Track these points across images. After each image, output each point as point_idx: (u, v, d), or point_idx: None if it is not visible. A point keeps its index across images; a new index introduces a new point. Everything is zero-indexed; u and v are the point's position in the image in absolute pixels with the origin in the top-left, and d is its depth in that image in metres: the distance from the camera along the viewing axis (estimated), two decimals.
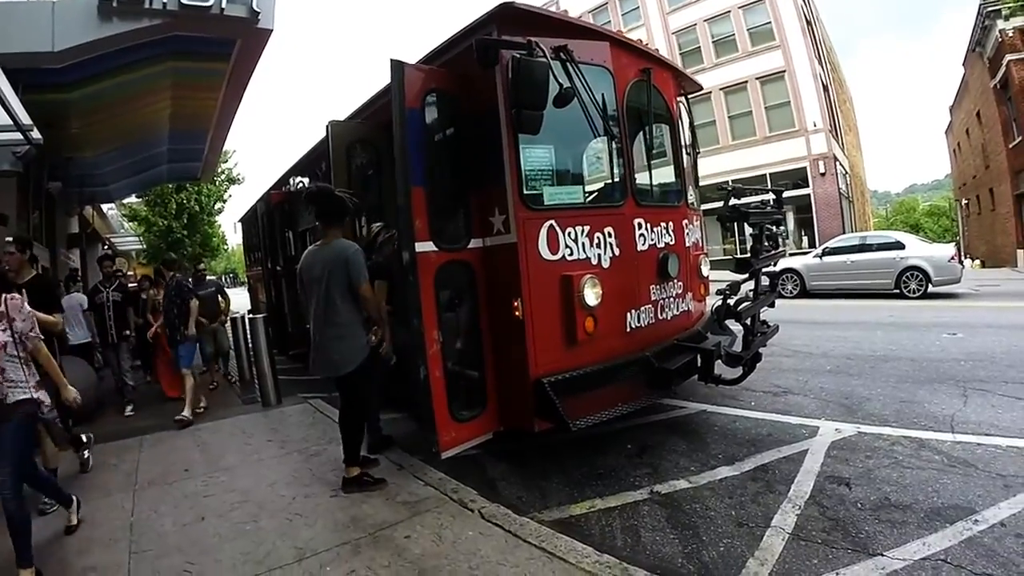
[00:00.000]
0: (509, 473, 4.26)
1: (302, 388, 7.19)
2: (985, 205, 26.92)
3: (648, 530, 3.25)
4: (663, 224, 4.87)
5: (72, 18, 5.54)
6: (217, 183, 23.73)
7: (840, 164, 24.39)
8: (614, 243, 4.27)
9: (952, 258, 12.46)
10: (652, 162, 4.99)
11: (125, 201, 21.80)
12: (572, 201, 4.16)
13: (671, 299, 4.88)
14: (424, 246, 3.69)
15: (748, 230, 4.90)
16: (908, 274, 12.40)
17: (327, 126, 5.23)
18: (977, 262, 23.84)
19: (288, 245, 9.00)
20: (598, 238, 4.16)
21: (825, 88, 24.58)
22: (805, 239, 23.04)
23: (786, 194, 5.95)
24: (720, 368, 4.64)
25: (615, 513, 3.48)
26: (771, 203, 5.36)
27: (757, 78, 23.49)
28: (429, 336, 3.64)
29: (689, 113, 6.10)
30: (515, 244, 3.74)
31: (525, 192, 3.83)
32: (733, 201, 4.74)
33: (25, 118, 4.61)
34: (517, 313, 3.71)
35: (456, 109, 4.19)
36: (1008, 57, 20.18)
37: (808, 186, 22.40)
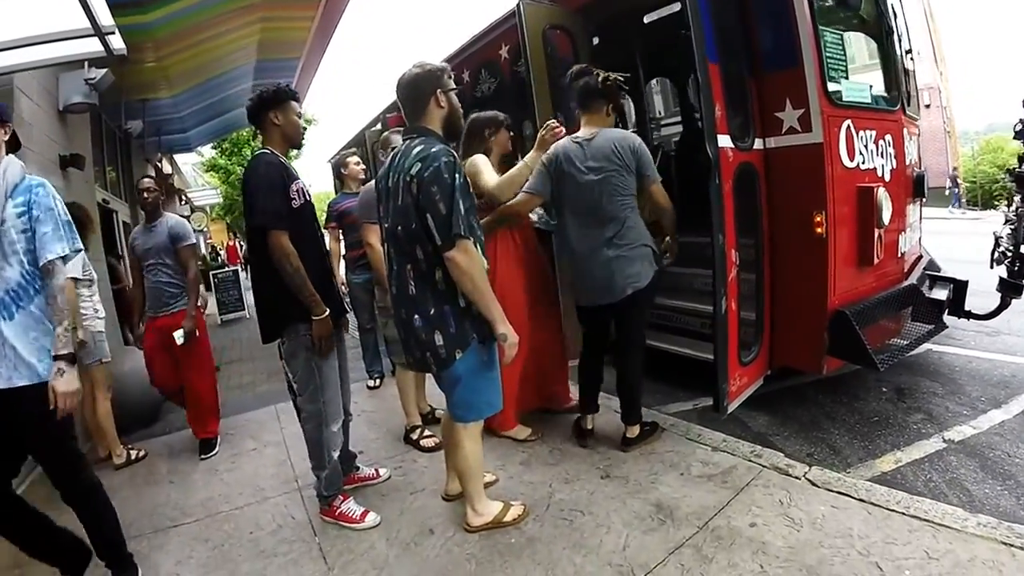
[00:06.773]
0: (775, 425, 3.64)
1: None
2: None
3: (972, 483, 2.83)
4: (914, 137, 4.21)
5: None
6: None
7: (943, 96, 22.48)
8: (892, 153, 3.64)
9: None
10: (905, 65, 4.26)
11: (201, 150, 20.72)
12: (863, 100, 3.49)
13: (918, 223, 4.29)
14: (723, 140, 3.03)
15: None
16: None
17: (518, 6, 4.49)
18: None
19: None
20: (882, 146, 3.53)
21: (926, 13, 22.34)
22: None
23: None
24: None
25: (926, 466, 3.02)
26: None
27: None
28: (729, 257, 3.01)
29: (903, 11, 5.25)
30: (820, 146, 3.09)
31: (829, 84, 3.17)
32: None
33: (107, 18, 3.87)
34: (819, 230, 3.12)
35: None
36: None
37: None
